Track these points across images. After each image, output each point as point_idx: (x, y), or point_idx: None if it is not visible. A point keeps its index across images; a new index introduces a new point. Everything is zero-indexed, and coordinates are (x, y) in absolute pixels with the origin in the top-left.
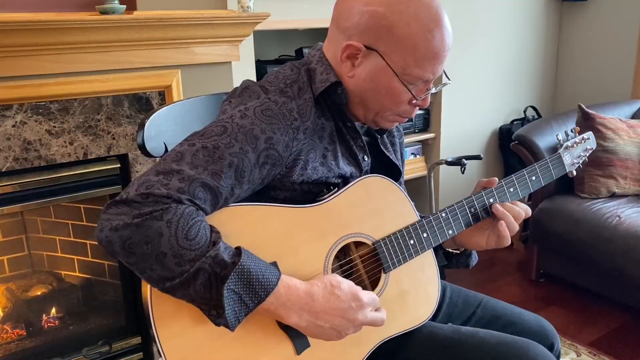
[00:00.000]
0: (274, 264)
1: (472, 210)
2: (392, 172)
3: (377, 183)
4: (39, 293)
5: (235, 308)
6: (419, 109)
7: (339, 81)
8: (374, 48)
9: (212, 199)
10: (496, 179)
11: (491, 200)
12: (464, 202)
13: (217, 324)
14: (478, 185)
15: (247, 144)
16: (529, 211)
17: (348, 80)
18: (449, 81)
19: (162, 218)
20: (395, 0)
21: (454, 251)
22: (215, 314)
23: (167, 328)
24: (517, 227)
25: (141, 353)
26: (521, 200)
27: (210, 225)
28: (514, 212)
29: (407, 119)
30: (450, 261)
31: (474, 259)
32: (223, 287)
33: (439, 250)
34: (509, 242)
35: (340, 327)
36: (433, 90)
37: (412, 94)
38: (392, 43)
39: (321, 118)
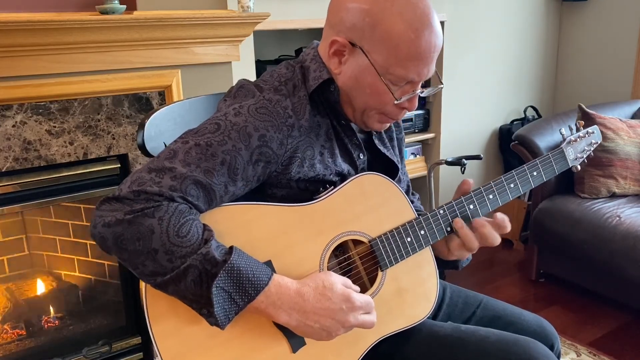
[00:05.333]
0: (269, 262)
1: (472, 207)
2: (390, 168)
3: (373, 180)
4: (39, 293)
5: (225, 306)
6: (410, 111)
7: (331, 78)
8: (359, 45)
9: (205, 195)
10: (471, 181)
11: (491, 196)
12: (462, 199)
13: (210, 323)
14: (457, 191)
15: (240, 141)
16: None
17: (336, 77)
18: (442, 85)
19: (153, 215)
20: None
21: None
22: (207, 312)
23: (162, 326)
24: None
25: (141, 353)
26: (521, 197)
27: (204, 224)
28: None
29: (394, 120)
30: (438, 262)
31: (465, 260)
32: (212, 285)
33: None
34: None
35: (330, 328)
36: (424, 94)
37: (392, 94)
38: (375, 41)
39: (317, 116)
